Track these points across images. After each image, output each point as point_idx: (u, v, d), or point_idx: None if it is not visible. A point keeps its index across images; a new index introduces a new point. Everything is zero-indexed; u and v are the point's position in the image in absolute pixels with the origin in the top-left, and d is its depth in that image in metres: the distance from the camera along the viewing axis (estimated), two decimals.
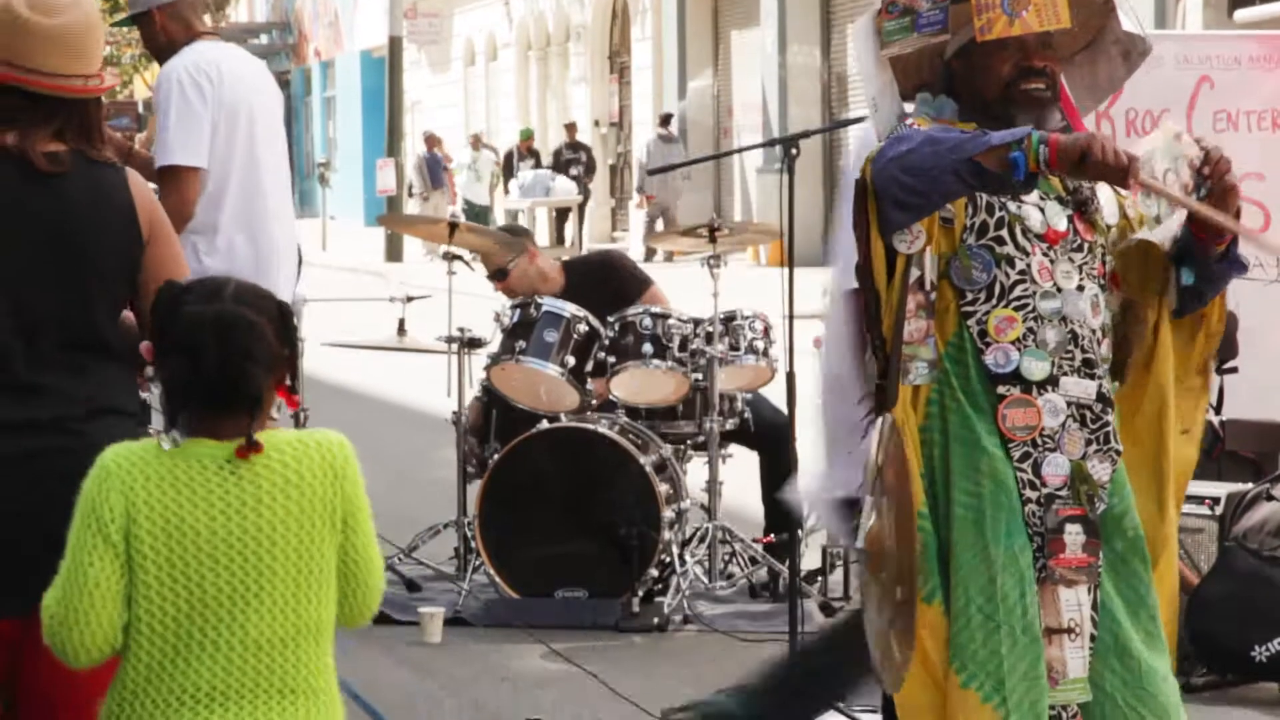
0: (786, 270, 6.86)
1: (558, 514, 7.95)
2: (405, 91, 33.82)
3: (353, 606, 3.54)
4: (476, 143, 32.72)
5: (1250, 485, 6.78)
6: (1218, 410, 7.27)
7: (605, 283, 8.51)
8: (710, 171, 29.26)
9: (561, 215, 31.10)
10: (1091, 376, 4.19)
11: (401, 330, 8.71)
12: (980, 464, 4.10)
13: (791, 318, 7.14)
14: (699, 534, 8.21)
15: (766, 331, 8.36)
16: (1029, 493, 4.14)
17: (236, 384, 3.43)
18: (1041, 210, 4.20)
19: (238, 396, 3.44)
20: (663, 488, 7.89)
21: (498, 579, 7.91)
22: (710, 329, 8.14)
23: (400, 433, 12.78)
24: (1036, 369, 4.16)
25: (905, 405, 4.12)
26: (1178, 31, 15.40)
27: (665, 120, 29.18)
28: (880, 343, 4.12)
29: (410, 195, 32.96)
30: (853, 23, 4.61)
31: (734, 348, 8.28)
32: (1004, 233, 4.17)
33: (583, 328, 8.16)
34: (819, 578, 8.15)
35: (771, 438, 8.28)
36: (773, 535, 8.19)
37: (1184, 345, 4.32)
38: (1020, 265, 4.17)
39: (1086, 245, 4.23)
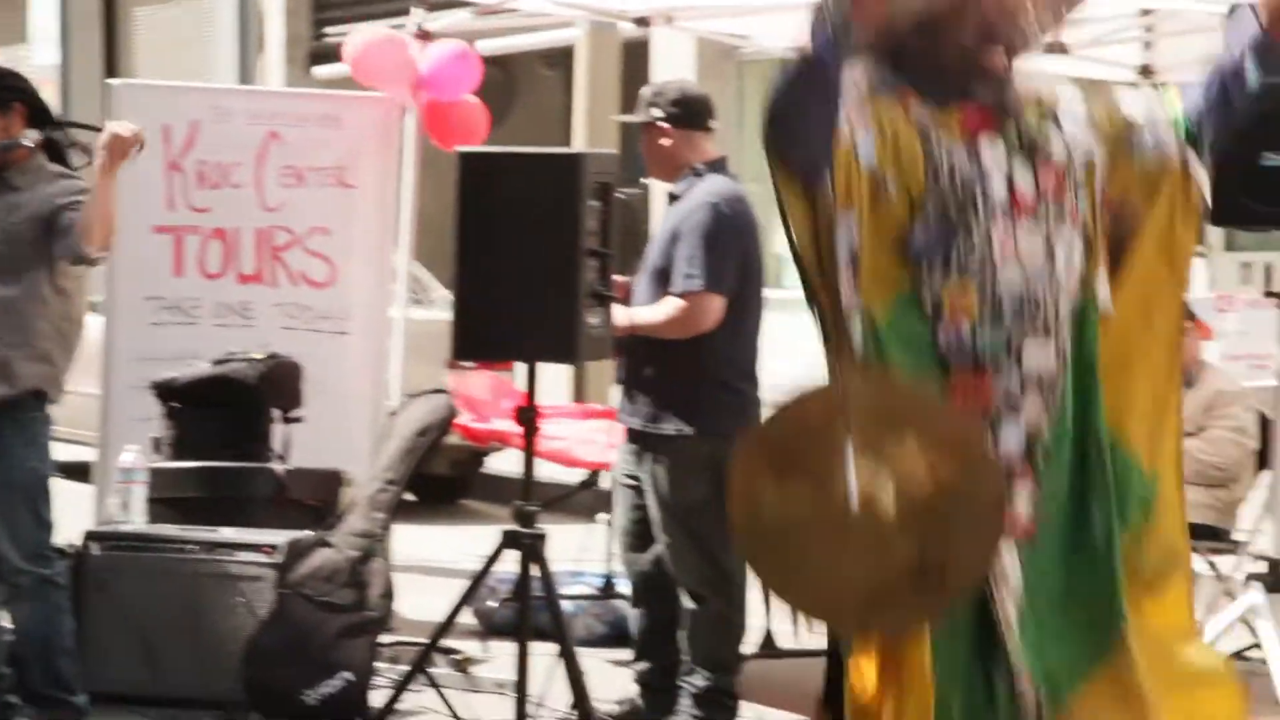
0: None
1: None
2: None
3: None
4: None
5: (310, 533, 6.95)
6: (283, 459, 7.43)
7: None
8: None
9: None
10: (1052, 335, 4.02)
11: None
12: None
13: None
14: None
15: None
16: None
17: None
18: (1008, 175, 4.01)
19: None
20: None
21: None
22: None
23: None
24: (994, 343, 3.98)
25: None
26: (248, 88, 15.65)
27: None
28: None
29: None
30: None
31: None
32: (964, 201, 3.97)
33: None
34: None
35: None
36: None
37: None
38: (979, 236, 3.97)
39: (1056, 207, 4.03)
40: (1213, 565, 7.89)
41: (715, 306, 6.65)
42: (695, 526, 6.71)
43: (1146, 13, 8.93)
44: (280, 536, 6.87)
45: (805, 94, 3.98)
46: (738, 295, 6.71)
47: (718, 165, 6.91)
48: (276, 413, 7.53)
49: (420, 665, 6.29)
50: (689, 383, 6.68)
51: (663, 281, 6.70)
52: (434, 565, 9.80)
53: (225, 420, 7.41)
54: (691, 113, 6.91)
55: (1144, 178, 4.13)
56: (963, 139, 4.03)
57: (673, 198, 6.89)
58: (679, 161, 6.87)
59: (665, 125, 6.87)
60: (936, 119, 4.04)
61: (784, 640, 8.22)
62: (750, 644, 7.93)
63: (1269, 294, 7.44)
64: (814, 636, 8.47)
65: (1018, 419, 4.00)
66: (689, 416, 6.67)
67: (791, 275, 15.11)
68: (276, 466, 7.35)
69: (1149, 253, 4.14)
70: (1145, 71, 9.37)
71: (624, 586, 8.40)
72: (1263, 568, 7.13)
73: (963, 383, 3.99)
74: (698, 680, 6.76)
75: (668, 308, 6.66)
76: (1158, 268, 4.15)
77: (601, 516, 8.85)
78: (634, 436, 6.80)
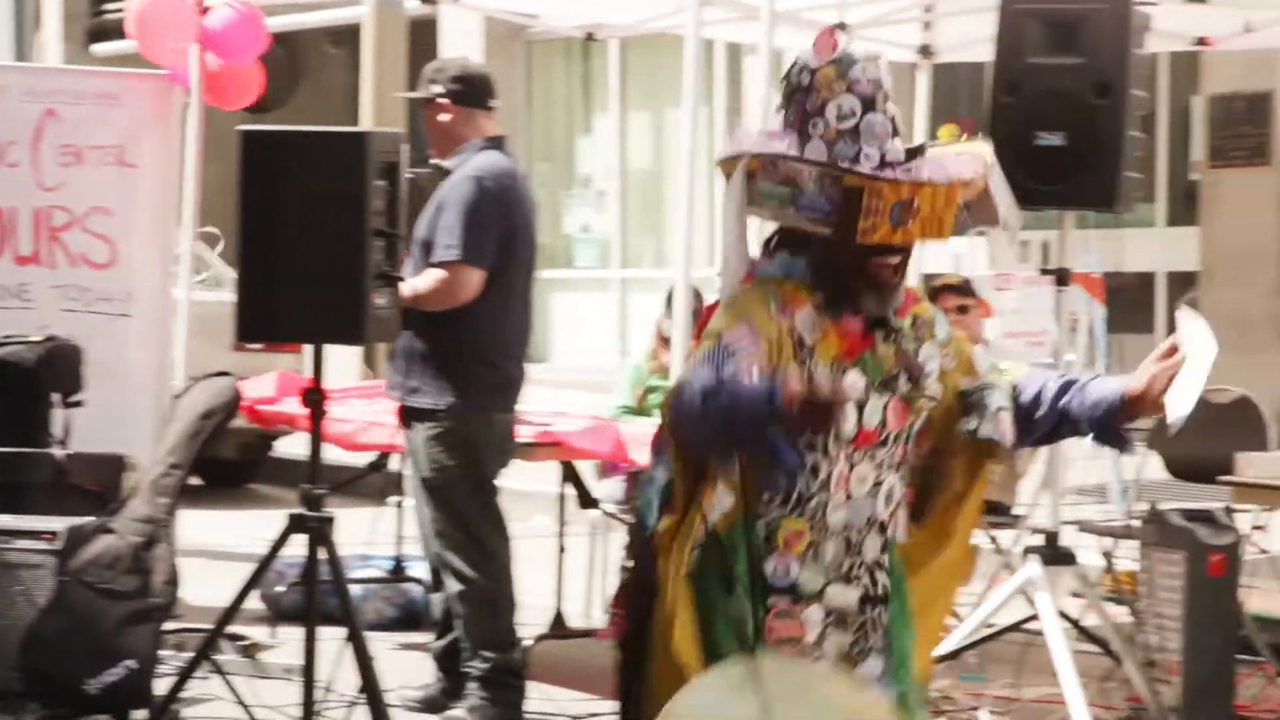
0: None
1: None
2: None
3: None
4: None
5: (91, 519, 6.84)
6: (64, 444, 7.31)
7: None
8: None
9: None
10: (856, 581, 4.02)
11: None
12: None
13: None
14: None
15: None
16: None
17: None
18: (861, 408, 3.95)
19: None
20: None
21: None
22: None
23: None
24: (812, 583, 3.97)
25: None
26: (24, 65, 15.35)
27: None
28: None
29: None
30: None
31: None
32: (819, 438, 3.90)
33: None
34: None
35: None
36: None
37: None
38: (823, 475, 3.94)
39: (893, 436, 4.00)
40: (994, 539, 8.03)
41: (473, 279, 6.67)
42: (453, 502, 6.75)
43: None
44: (60, 523, 6.74)
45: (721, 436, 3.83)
46: (502, 272, 6.73)
47: (496, 142, 6.93)
48: (56, 397, 7.41)
49: (205, 652, 6.23)
50: (448, 357, 6.73)
51: (429, 254, 6.73)
52: (221, 550, 9.71)
53: (3, 405, 7.28)
54: (472, 90, 6.94)
55: (964, 445, 4.14)
56: (833, 367, 3.95)
57: (447, 173, 6.91)
58: (459, 138, 6.91)
59: (446, 102, 6.91)
60: (819, 336, 3.97)
61: (574, 620, 8.25)
62: (540, 625, 7.96)
63: (1045, 271, 7.57)
64: (602, 616, 8.54)
65: (825, 657, 4.01)
66: (446, 391, 6.71)
67: (582, 255, 15.27)
68: (56, 451, 7.23)
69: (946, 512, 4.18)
70: (925, 52, 9.49)
71: (414, 570, 8.38)
72: (1040, 541, 7.26)
73: (777, 614, 3.97)
74: (479, 663, 6.77)
75: (428, 279, 6.68)
76: (955, 529, 4.19)
77: (391, 499, 8.82)
78: (400, 411, 6.84)
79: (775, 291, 3.95)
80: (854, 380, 3.96)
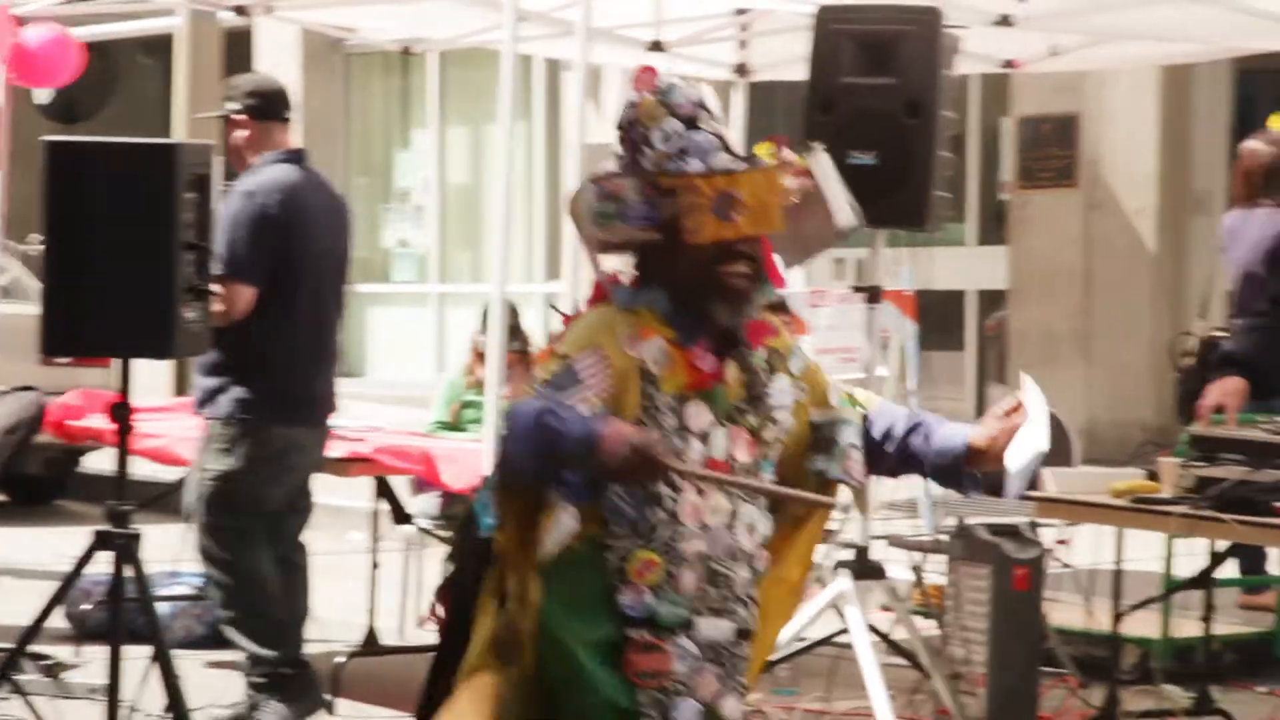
0: None
1: None
2: None
3: None
4: None
5: None
6: None
7: None
8: None
9: None
10: (730, 614, 4.02)
11: None
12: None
13: None
14: None
15: None
16: None
17: None
18: (705, 440, 3.98)
19: None
20: None
21: None
22: None
23: None
24: (672, 616, 3.97)
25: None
26: None
27: None
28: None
29: None
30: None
31: None
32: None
33: None
34: None
35: None
36: None
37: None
38: (670, 505, 3.94)
39: (745, 468, 4.01)
40: None
41: (241, 294, 6.69)
42: (213, 508, 6.79)
43: (741, 12, 9.10)
44: None
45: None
46: (282, 287, 6.73)
47: (294, 155, 6.93)
48: None
49: (6, 672, 6.12)
50: (229, 369, 6.75)
51: None
52: (26, 568, 9.54)
53: None
54: (267, 103, 6.96)
55: (810, 476, 4.19)
56: (677, 399, 3.98)
57: None
58: (256, 153, 6.90)
59: (242, 118, 6.92)
60: (666, 365, 3.98)
61: (387, 637, 8.20)
62: (353, 641, 7.90)
63: (858, 289, 7.64)
64: (416, 632, 8.53)
65: (693, 693, 4.00)
66: (223, 403, 6.76)
67: (400, 269, 15.22)
68: None
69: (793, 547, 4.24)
70: (741, 70, 9.55)
71: None
72: (851, 555, 7.32)
73: (639, 648, 3.97)
74: (260, 668, 6.78)
75: None
76: (789, 552, 4.23)
77: None
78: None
79: (629, 322, 3.98)
80: (696, 412, 4.00)
